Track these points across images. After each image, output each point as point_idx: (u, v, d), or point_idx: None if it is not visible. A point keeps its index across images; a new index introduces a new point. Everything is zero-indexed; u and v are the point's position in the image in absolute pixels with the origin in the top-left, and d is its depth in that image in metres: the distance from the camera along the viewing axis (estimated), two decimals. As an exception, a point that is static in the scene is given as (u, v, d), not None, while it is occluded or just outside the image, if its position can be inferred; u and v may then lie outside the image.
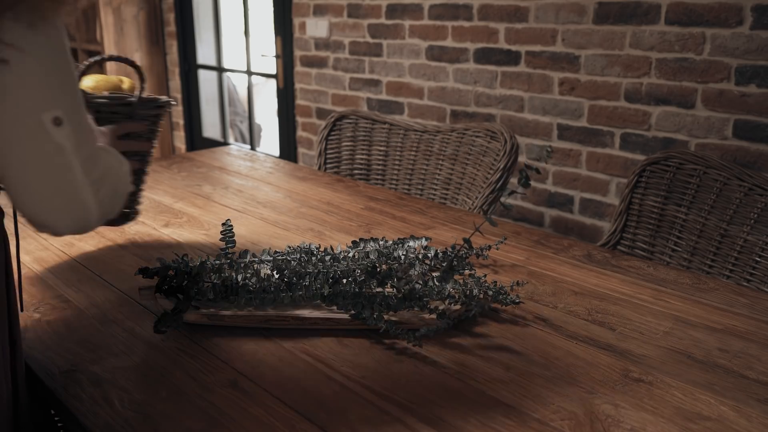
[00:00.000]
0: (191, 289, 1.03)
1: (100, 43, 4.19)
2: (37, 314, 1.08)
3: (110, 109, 1.16)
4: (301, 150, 3.62)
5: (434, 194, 2.02)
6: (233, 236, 1.16)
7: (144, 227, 1.48)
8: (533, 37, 2.49)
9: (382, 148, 2.16)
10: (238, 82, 5.00)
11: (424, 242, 1.20)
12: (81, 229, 0.76)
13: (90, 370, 0.92)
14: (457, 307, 1.06)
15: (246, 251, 1.11)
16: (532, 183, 2.60)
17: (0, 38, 0.64)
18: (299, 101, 3.54)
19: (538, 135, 2.55)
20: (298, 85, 3.53)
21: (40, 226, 0.73)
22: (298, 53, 3.47)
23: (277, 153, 3.76)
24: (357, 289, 1.04)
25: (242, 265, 1.08)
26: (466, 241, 1.21)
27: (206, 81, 4.34)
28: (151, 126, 1.23)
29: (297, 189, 1.83)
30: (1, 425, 0.79)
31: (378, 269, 1.09)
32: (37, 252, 1.33)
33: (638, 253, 1.61)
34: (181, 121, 4.44)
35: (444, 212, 1.66)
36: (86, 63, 1.14)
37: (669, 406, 0.86)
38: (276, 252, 1.11)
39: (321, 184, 1.88)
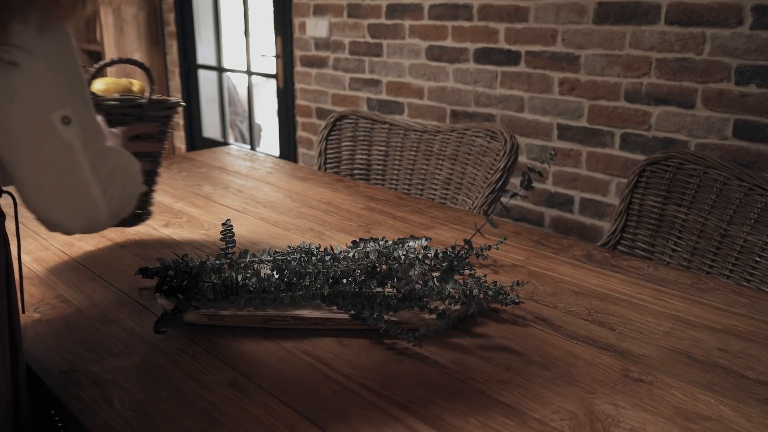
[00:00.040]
0: (191, 289, 1.03)
1: (100, 43, 4.19)
2: (37, 314, 1.08)
3: (121, 111, 1.18)
4: (301, 150, 3.62)
5: (434, 194, 2.02)
6: (233, 236, 1.16)
7: (144, 227, 1.48)
8: (533, 37, 2.49)
9: (382, 148, 2.16)
10: (238, 82, 5.00)
11: (424, 242, 1.20)
12: (91, 227, 0.77)
13: (90, 370, 0.92)
14: (457, 307, 1.06)
15: (246, 251, 1.11)
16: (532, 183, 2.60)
17: (10, 41, 0.65)
18: (299, 101, 3.54)
19: (538, 135, 2.55)
20: (298, 85, 3.53)
21: (51, 225, 0.75)
22: (298, 53, 3.47)
23: (277, 153, 3.76)
24: (357, 289, 1.04)
25: (242, 265, 1.08)
26: (467, 242, 1.21)
27: (206, 81, 4.34)
28: (161, 127, 1.25)
29: (297, 189, 1.83)
30: (1, 427, 0.80)
31: (378, 269, 1.09)
32: (37, 252, 1.33)
33: (638, 253, 1.61)
34: (181, 121, 4.44)
35: (444, 212, 1.66)
36: (96, 66, 1.15)
37: (669, 406, 0.86)
38: (276, 252, 1.11)
39: (321, 184, 1.88)
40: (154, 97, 1.21)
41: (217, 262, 1.07)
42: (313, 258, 1.09)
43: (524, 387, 0.90)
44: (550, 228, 2.60)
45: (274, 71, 3.67)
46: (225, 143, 4.34)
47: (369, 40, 3.10)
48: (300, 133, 3.59)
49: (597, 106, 2.36)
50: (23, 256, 1.30)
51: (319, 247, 1.16)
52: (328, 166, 2.22)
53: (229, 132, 4.55)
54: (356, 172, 2.19)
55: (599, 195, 2.43)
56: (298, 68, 3.49)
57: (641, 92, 2.24)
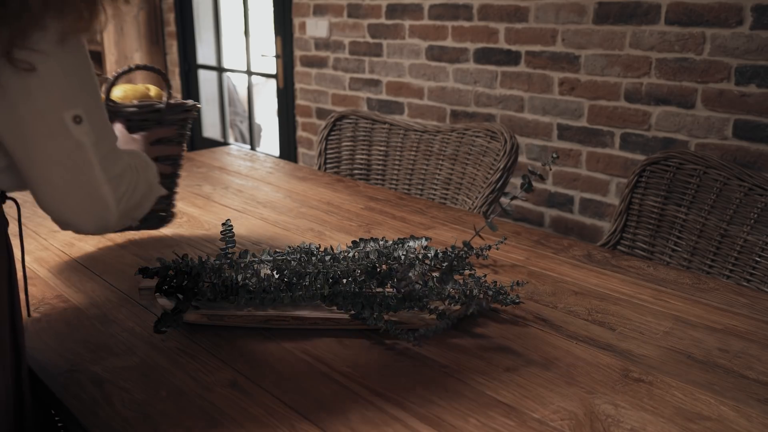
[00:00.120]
0: (191, 289, 1.03)
1: (100, 44, 4.19)
2: (37, 314, 1.08)
3: (140, 117, 1.20)
4: (301, 150, 3.62)
5: (434, 194, 2.02)
6: (233, 236, 1.16)
7: (144, 227, 1.48)
8: (533, 37, 2.49)
9: (382, 148, 2.16)
10: (238, 82, 5.00)
11: (424, 242, 1.20)
12: (101, 226, 0.78)
13: (90, 370, 0.92)
14: (457, 307, 1.06)
15: (246, 251, 1.11)
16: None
17: (29, 47, 0.67)
18: (299, 101, 3.54)
19: (538, 135, 2.55)
20: (298, 85, 3.53)
21: (64, 224, 0.77)
22: (298, 53, 3.47)
23: (277, 153, 3.76)
24: (357, 289, 1.04)
25: (242, 265, 1.08)
26: (466, 244, 1.21)
27: (206, 81, 4.34)
28: (180, 130, 1.28)
29: (297, 189, 1.83)
30: (4, 430, 0.80)
31: (378, 269, 1.09)
32: (37, 252, 1.33)
33: (638, 253, 1.61)
34: (181, 121, 4.44)
35: (444, 212, 1.66)
36: (116, 73, 1.19)
37: (669, 406, 0.86)
38: (276, 252, 1.11)
39: (321, 184, 1.88)
40: (172, 101, 1.24)
41: (217, 262, 1.07)
42: (313, 258, 1.09)
43: (524, 387, 0.90)
44: (550, 228, 2.60)
45: (274, 71, 3.67)
46: (225, 143, 4.34)
47: (369, 40, 3.10)
48: (300, 133, 3.59)
49: (597, 106, 2.36)
50: (23, 256, 1.30)
51: (319, 247, 1.16)
52: (328, 166, 2.22)
53: (229, 132, 4.55)
54: (356, 172, 2.19)
55: (599, 195, 2.43)
56: (298, 68, 3.49)
57: (641, 92, 2.24)
